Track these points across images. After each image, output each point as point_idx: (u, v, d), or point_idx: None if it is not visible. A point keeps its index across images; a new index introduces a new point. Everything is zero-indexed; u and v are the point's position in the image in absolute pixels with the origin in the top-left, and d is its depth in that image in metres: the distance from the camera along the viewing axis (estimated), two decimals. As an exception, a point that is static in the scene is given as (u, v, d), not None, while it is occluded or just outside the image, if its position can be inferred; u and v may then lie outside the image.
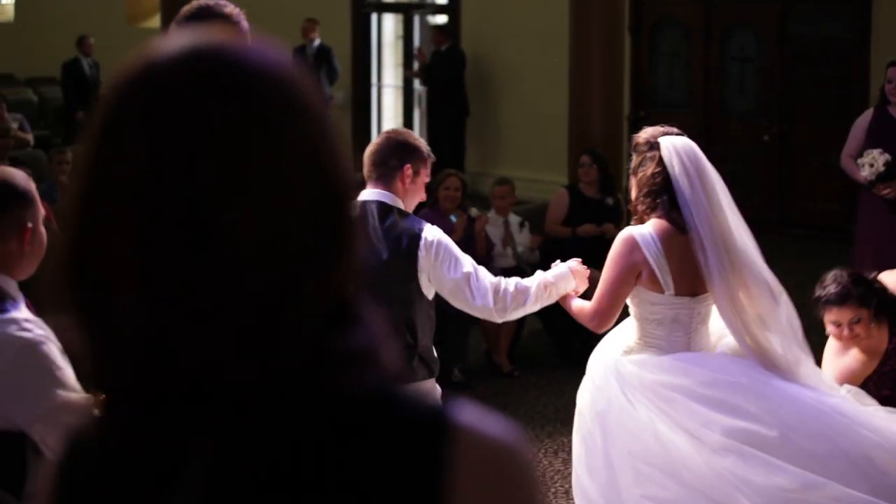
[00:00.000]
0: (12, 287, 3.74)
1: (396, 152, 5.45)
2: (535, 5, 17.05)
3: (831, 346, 6.14)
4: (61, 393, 3.71)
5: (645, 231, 5.26)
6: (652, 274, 5.23)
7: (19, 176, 3.78)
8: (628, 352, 5.39)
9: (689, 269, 5.25)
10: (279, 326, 1.35)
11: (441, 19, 18.85)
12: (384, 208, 5.42)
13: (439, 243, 5.31)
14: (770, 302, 5.23)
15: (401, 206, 5.44)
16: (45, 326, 3.70)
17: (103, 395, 1.41)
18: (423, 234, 5.33)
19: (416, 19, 19.44)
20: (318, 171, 1.38)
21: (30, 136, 15.28)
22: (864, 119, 9.72)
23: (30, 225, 3.74)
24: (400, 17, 19.58)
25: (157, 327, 1.34)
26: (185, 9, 4.25)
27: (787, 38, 15.58)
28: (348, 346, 1.39)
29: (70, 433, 1.50)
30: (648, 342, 5.34)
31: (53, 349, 3.67)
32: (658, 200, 5.28)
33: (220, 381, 1.35)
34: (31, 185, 3.80)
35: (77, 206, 1.38)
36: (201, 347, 1.34)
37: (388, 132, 5.67)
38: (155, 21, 20.42)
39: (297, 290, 1.36)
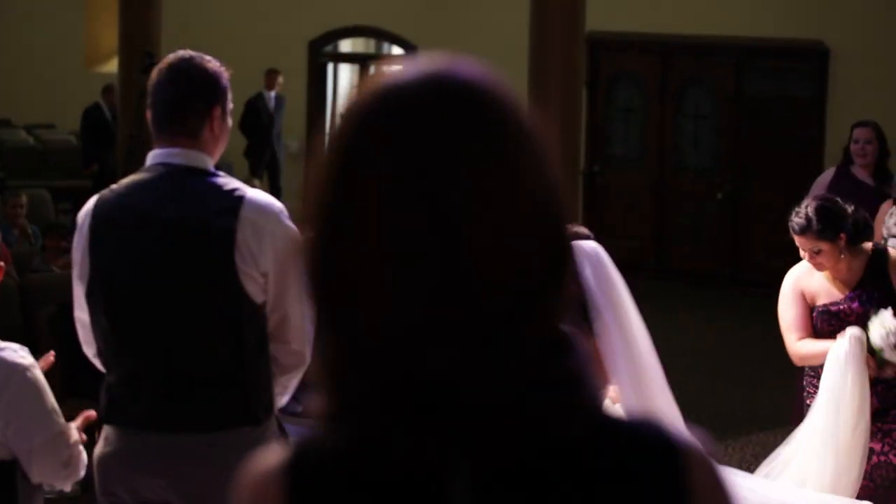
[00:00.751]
0: None
1: None
2: (493, 59, 17.10)
3: (800, 266, 6.34)
4: (58, 421, 3.86)
5: None
6: None
7: None
8: None
9: None
10: (513, 340, 1.40)
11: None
12: None
13: None
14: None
15: None
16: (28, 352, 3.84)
17: (336, 405, 1.44)
18: None
19: (372, 70, 19.44)
20: (546, 193, 1.45)
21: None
22: (825, 178, 9.50)
23: None
24: (356, 67, 19.62)
25: (400, 338, 1.39)
26: (167, 60, 4.22)
27: (742, 95, 15.68)
28: (569, 368, 1.45)
29: (297, 445, 1.51)
30: None
31: (41, 375, 3.83)
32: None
33: (458, 393, 1.39)
34: None
35: (322, 218, 1.44)
36: (442, 357, 1.38)
37: None
38: (112, 65, 20.36)
39: (531, 308, 1.42)
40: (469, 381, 1.39)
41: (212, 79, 4.19)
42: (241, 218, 4.03)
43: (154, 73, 4.22)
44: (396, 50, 19.08)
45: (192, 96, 4.14)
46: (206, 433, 4.04)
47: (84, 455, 3.99)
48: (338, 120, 1.48)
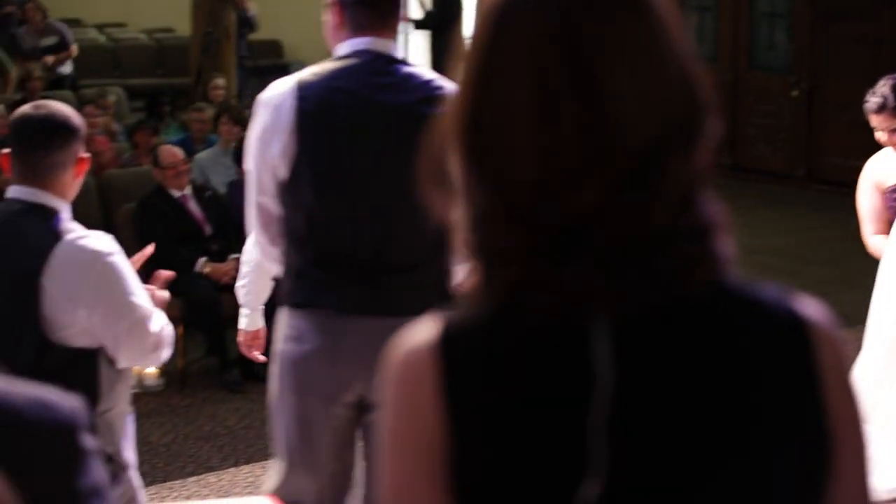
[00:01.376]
0: (69, 212, 4.01)
1: None
2: None
3: (875, 157, 6.37)
4: (143, 305, 3.93)
5: None
6: None
7: (72, 112, 4.09)
8: None
9: None
10: (653, 184, 1.47)
11: None
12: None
13: None
14: None
15: None
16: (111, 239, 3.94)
17: (487, 256, 1.51)
18: None
19: None
20: (682, 50, 1.52)
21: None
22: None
23: (83, 156, 4.06)
24: None
25: (546, 174, 1.47)
26: None
27: (818, -7, 15.45)
28: (706, 222, 1.51)
29: (445, 318, 1.55)
30: None
31: (125, 260, 3.93)
32: None
33: (602, 236, 1.46)
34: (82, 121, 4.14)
35: (475, 67, 1.52)
36: (586, 195, 1.46)
37: None
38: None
39: (667, 154, 1.48)
40: (613, 223, 1.45)
41: None
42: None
43: None
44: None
45: None
46: (411, 317, 3.91)
47: (171, 336, 4.04)
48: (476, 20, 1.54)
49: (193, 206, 8.68)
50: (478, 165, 1.50)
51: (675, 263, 1.47)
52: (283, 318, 4.15)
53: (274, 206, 4.15)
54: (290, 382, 4.11)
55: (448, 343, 1.51)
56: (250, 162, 4.18)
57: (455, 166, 1.53)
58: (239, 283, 4.71)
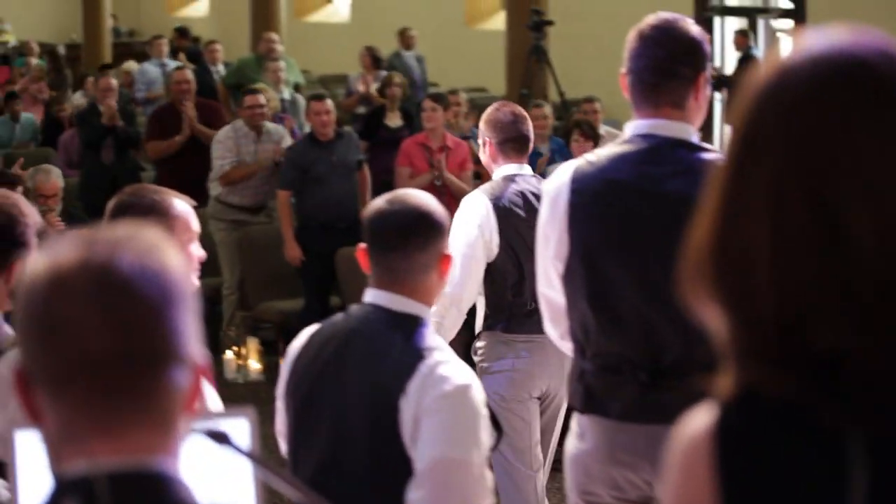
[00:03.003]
0: (430, 319, 3.59)
1: None
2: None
3: None
4: (481, 454, 3.41)
5: None
6: None
7: (434, 204, 3.61)
8: None
9: None
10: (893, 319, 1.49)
11: (785, 24, 18.31)
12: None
13: None
14: None
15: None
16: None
17: (745, 376, 1.56)
18: None
19: (761, 24, 18.96)
20: None
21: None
22: None
23: (447, 253, 3.59)
24: (744, 21, 19.13)
25: (791, 310, 1.50)
26: (648, 23, 3.93)
27: None
28: None
29: (720, 410, 1.61)
30: None
31: (481, 393, 3.45)
32: None
33: (851, 364, 1.49)
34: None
35: (720, 199, 1.55)
36: (830, 328, 1.49)
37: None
38: (494, 22, 20.50)
39: None
40: (861, 353, 1.48)
41: (697, 43, 3.89)
42: None
43: (633, 38, 3.92)
44: (783, 2, 18.52)
45: (678, 62, 3.85)
46: None
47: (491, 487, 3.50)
48: (743, 96, 1.55)
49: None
50: (725, 291, 1.55)
51: None
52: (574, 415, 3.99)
53: (560, 300, 3.91)
54: (573, 480, 3.98)
55: (722, 435, 1.59)
56: (537, 252, 3.97)
57: (704, 280, 1.58)
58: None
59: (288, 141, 10.44)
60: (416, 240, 3.51)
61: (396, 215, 3.53)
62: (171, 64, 15.59)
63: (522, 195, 5.71)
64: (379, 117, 11.97)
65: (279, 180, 9.91)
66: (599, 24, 18.24)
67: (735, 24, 19.22)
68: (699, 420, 1.64)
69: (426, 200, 3.60)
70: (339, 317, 3.63)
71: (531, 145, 5.93)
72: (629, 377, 3.81)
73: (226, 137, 10.20)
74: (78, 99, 15.89)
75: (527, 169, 5.90)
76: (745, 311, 1.53)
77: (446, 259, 3.57)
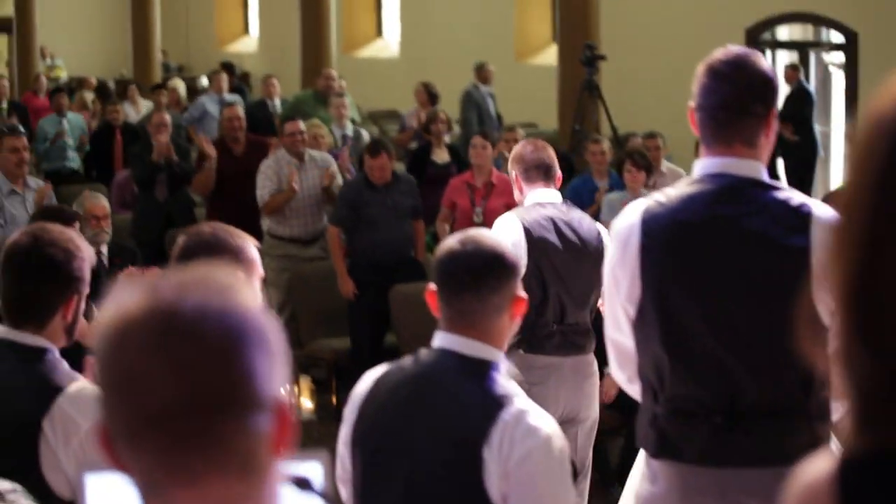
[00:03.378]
0: (504, 364, 3.49)
1: None
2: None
3: None
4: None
5: None
6: None
7: (506, 245, 3.53)
8: None
9: None
10: None
11: (837, 57, 18.18)
12: None
13: None
14: None
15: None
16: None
17: (875, 420, 1.50)
18: None
19: (812, 57, 18.84)
20: None
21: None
22: None
23: (520, 295, 3.50)
24: (795, 54, 19.02)
25: None
26: (718, 58, 3.84)
27: None
28: None
29: (842, 454, 1.56)
30: None
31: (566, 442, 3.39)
32: None
33: None
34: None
35: (859, 232, 1.48)
36: None
37: None
38: (544, 57, 20.45)
39: None
40: None
41: (768, 79, 3.80)
42: (812, 234, 3.65)
43: (703, 72, 3.82)
44: (835, 36, 18.39)
45: (751, 99, 3.75)
46: (773, 467, 3.63)
47: None
48: (864, 129, 1.50)
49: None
50: (863, 331, 1.48)
51: None
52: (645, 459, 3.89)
53: (629, 344, 3.82)
54: None
55: (845, 480, 1.52)
56: (605, 295, 3.88)
57: (835, 317, 1.50)
58: None
59: (335, 167, 10.44)
60: (490, 281, 3.41)
61: (470, 256, 3.43)
62: (230, 98, 15.61)
63: (552, 220, 6.04)
64: (426, 153, 11.93)
65: (331, 215, 9.88)
66: (651, 58, 18.18)
67: (786, 57, 19.13)
68: (819, 467, 1.57)
69: (499, 241, 3.52)
70: (406, 361, 3.52)
71: (556, 171, 6.22)
72: (704, 420, 3.73)
73: (266, 167, 10.21)
74: (126, 109, 16.00)
75: (555, 195, 6.18)
76: (889, 357, 1.46)
77: (520, 301, 3.47)
